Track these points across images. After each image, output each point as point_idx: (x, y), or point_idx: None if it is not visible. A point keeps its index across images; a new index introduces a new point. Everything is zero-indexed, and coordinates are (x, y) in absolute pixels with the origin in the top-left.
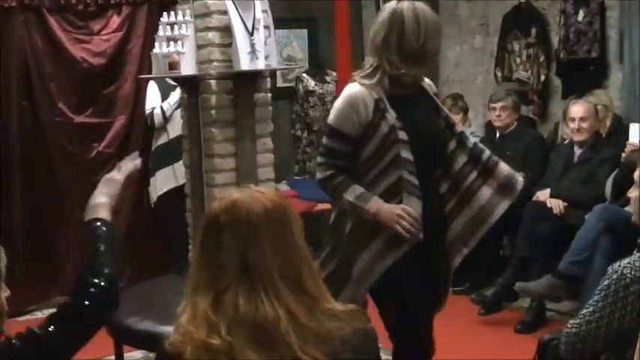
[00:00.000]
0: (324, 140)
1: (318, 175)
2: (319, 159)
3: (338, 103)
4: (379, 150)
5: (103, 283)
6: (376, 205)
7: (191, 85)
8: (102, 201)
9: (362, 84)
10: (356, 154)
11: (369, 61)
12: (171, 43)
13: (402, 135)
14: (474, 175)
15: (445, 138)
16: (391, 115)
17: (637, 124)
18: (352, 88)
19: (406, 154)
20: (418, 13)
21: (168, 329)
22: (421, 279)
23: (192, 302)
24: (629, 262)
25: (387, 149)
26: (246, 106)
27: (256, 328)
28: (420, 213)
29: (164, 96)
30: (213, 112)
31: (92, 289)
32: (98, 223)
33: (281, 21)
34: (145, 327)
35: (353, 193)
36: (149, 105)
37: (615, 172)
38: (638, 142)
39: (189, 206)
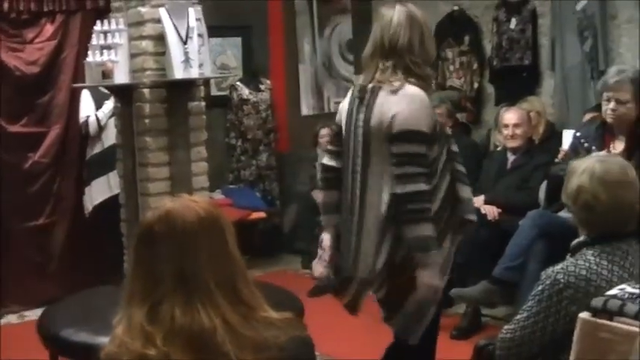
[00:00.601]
0: (407, 148)
1: (421, 186)
2: (413, 169)
3: (412, 106)
4: (440, 147)
5: None
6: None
7: (125, 94)
8: None
9: (418, 85)
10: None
11: (374, 63)
12: (105, 51)
13: (448, 129)
14: None
15: None
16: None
17: (570, 131)
18: (415, 90)
19: (454, 147)
20: (423, 17)
21: (105, 340)
22: None
23: (128, 313)
24: (562, 268)
25: (443, 145)
26: (180, 114)
27: (193, 338)
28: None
29: (98, 104)
30: (147, 120)
31: None
32: None
33: (215, 29)
34: (81, 338)
35: (432, 232)
36: (83, 113)
37: (546, 181)
38: (569, 148)
39: (123, 216)
